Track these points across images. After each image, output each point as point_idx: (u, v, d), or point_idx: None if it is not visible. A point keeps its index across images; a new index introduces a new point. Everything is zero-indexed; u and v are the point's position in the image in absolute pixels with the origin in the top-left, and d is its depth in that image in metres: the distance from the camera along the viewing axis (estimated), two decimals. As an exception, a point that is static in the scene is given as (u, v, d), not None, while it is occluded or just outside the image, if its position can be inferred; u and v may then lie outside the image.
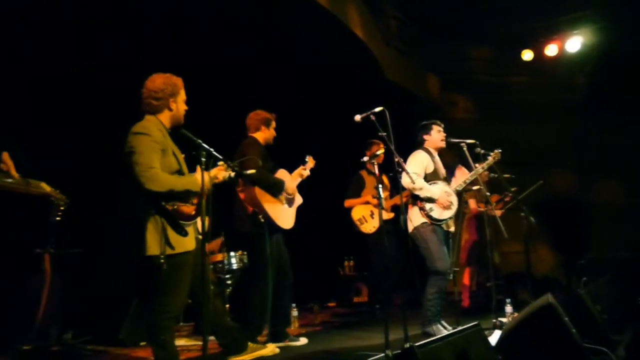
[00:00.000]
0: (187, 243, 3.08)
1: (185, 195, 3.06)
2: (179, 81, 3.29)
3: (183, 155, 3.29)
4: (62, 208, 4.26)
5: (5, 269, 4.75)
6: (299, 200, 4.71)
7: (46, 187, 2.65)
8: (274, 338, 4.46)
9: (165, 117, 3.21)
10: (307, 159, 4.78)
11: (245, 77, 6.45)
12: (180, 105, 3.27)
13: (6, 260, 4.77)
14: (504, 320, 4.64)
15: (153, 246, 2.97)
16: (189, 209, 3.09)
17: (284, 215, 4.49)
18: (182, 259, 3.06)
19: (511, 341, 3.13)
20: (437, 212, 4.64)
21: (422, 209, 4.65)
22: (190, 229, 3.12)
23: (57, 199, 3.56)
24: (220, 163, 3.29)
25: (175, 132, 3.24)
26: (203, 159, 3.01)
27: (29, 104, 4.99)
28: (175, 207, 3.02)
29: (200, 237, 3.18)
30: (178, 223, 3.04)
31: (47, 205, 4.29)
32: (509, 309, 4.97)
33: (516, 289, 6.53)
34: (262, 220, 4.31)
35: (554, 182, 8.45)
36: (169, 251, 2.99)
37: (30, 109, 5.00)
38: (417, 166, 4.70)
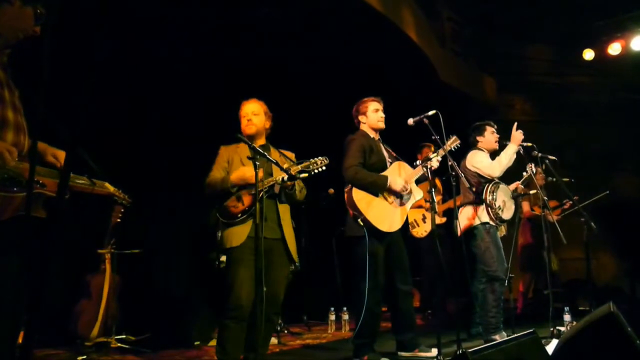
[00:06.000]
0: (232, 239, 3.28)
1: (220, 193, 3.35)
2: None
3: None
4: (122, 210, 4.43)
5: (69, 268, 4.99)
6: (417, 194, 4.14)
7: (110, 187, 2.76)
8: (400, 347, 4.10)
9: None
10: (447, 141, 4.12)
11: (297, 80, 6.51)
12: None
13: (70, 259, 5.01)
14: (562, 329, 4.48)
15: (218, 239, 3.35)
16: (235, 209, 3.31)
17: (386, 216, 3.93)
18: (230, 254, 3.30)
19: (569, 351, 3.00)
20: (506, 213, 4.52)
21: (491, 207, 4.45)
22: (238, 228, 3.29)
23: (120, 199, 3.73)
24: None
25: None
26: (257, 163, 3.08)
27: (96, 109, 5.20)
28: (224, 205, 3.32)
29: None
30: (223, 221, 3.32)
31: (108, 207, 4.46)
32: (567, 317, 4.81)
33: (575, 297, 6.31)
34: (362, 223, 3.86)
35: (617, 185, 8.14)
36: (227, 245, 3.29)
37: (98, 115, 5.21)
38: (486, 159, 4.59)
